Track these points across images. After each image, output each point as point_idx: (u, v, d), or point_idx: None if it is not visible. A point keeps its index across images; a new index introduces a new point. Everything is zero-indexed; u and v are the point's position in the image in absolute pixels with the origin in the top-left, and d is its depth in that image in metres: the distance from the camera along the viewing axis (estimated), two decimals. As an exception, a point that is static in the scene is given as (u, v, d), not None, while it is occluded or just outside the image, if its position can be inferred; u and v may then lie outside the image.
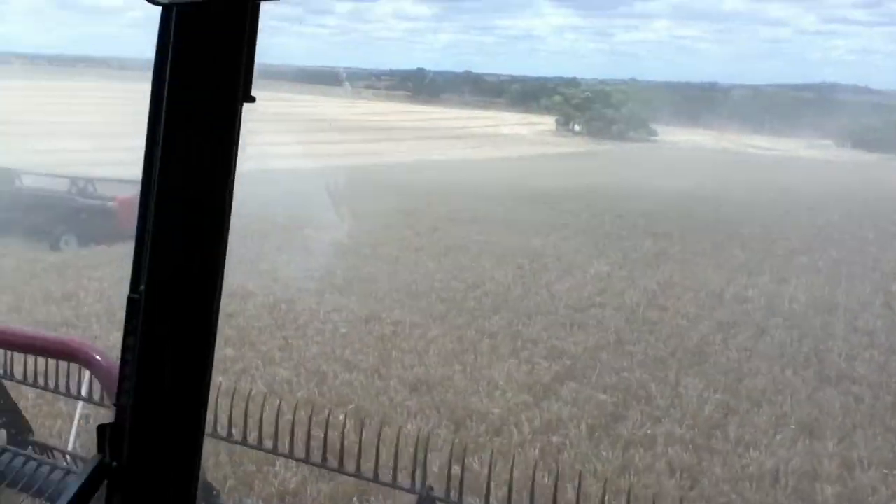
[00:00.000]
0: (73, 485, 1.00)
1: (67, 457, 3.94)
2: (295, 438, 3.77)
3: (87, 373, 3.48)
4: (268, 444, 3.93)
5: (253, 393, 4.59)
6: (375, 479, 3.67)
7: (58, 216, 13.82)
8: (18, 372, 3.96)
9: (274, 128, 21.26)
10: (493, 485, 3.50)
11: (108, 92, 42.36)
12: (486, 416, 7.03)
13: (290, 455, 3.90)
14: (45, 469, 3.21)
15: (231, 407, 3.88)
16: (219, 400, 3.58)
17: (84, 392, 4.09)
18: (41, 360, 3.84)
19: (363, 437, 3.64)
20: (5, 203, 13.77)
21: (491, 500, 3.39)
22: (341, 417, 5.44)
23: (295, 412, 4.17)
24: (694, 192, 24.50)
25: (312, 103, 48.34)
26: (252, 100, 0.97)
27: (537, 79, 74.10)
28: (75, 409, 4.86)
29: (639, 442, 6.65)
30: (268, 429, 3.94)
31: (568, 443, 6.60)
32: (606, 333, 9.79)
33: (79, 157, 20.30)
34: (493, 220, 18.13)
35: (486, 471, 3.67)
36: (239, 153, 0.97)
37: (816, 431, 7.05)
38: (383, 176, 21.41)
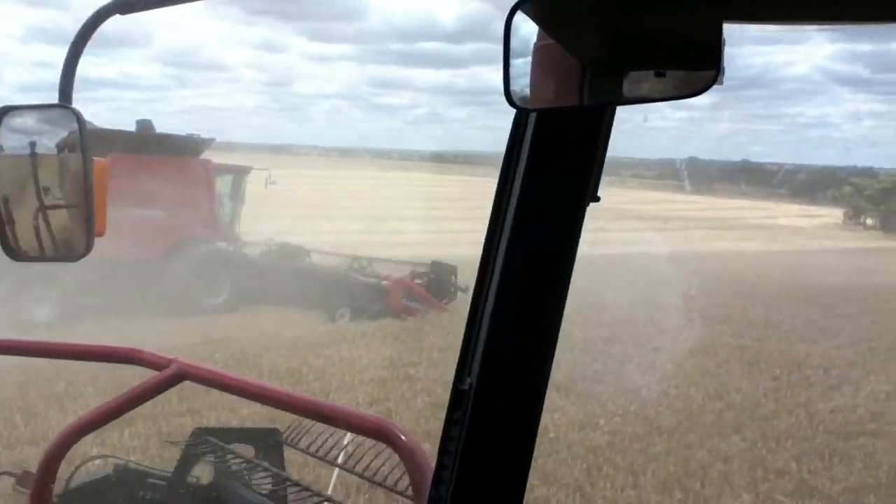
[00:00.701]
0: None
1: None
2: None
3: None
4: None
5: None
6: None
7: (337, 292, 15.32)
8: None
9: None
10: None
11: (385, 181, 46.35)
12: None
13: None
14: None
15: None
16: None
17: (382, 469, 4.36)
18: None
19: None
20: (297, 278, 15.70)
21: None
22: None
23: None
24: None
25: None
26: (598, 199, 0.99)
27: (825, 168, 68.26)
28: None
29: None
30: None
31: None
32: (877, 471, 7.95)
33: (354, 238, 22.44)
34: (751, 321, 16.07)
35: None
36: None
37: None
38: (634, 266, 20.59)
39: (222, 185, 16.28)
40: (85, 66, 1.68)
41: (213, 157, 16.44)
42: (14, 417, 8.14)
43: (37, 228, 1.69)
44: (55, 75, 1.65)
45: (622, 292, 16.90)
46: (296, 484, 4.61)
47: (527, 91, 0.95)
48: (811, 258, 30.60)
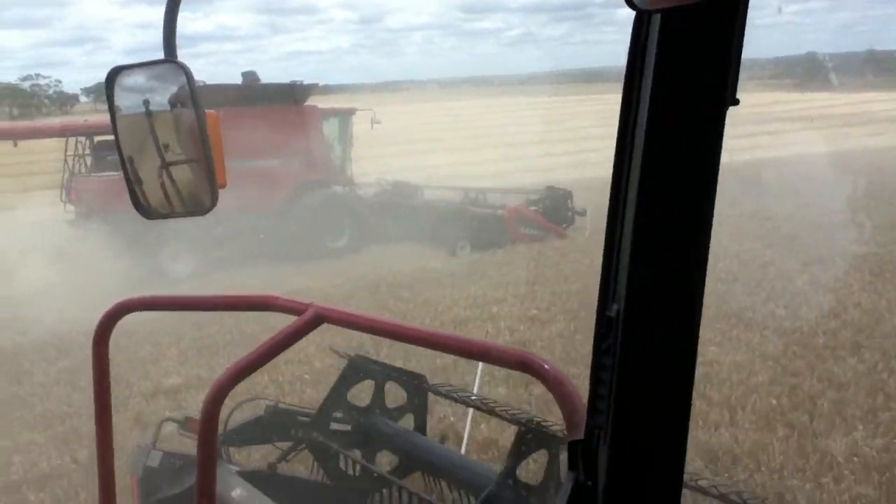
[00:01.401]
0: None
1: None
2: None
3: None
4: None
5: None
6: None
7: (454, 225, 15.39)
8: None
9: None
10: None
11: (484, 108, 45.81)
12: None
13: None
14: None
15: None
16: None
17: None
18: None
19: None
20: (412, 214, 15.90)
21: None
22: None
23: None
24: None
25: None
26: (737, 102, 0.91)
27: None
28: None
29: None
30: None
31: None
32: None
33: (464, 169, 22.41)
34: (879, 224, 13.86)
35: None
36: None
37: None
38: (749, 173, 19.38)
39: (329, 129, 16.51)
40: (182, 23, 1.65)
41: (315, 101, 16.64)
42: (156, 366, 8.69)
43: (163, 185, 1.70)
44: (156, 36, 1.63)
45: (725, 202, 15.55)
46: (434, 391, 4.73)
47: None
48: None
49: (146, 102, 1.67)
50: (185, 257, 14.03)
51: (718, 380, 7.06)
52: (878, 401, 6.50)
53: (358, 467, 4.34)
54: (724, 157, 0.92)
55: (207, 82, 14.02)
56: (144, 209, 1.73)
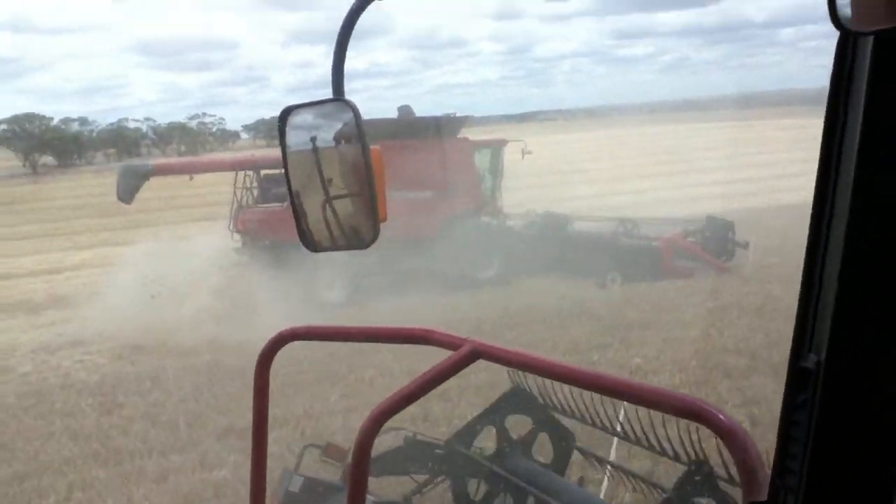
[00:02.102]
0: None
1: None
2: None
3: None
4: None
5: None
6: None
7: (605, 256, 15.07)
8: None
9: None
10: None
11: (636, 137, 44.66)
12: None
13: None
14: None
15: None
16: None
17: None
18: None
19: None
20: (562, 246, 15.72)
21: None
22: None
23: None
24: None
25: None
26: None
27: None
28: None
29: None
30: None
31: None
32: None
33: (614, 200, 21.93)
34: None
35: None
36: None
37: None
38: None
39: (481, 160, 16.70)
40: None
41: (465, 133, 16.91)
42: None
43: (326, 219, 1.75)
44: (314, 74, 1.69)
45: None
46: (580, 451, 4.58)
47: (848, 10, 0.77)
48: None
49: (313, 139, 1.73)
50: (339, 285, 14.55)
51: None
52: None
53: None
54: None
55: (365, 117, 14.55)
56: (309, 242, 1.78)
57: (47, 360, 11.89)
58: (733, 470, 1.98)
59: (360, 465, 1.72)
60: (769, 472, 1.01)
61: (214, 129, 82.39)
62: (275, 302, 12.21)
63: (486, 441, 4.62)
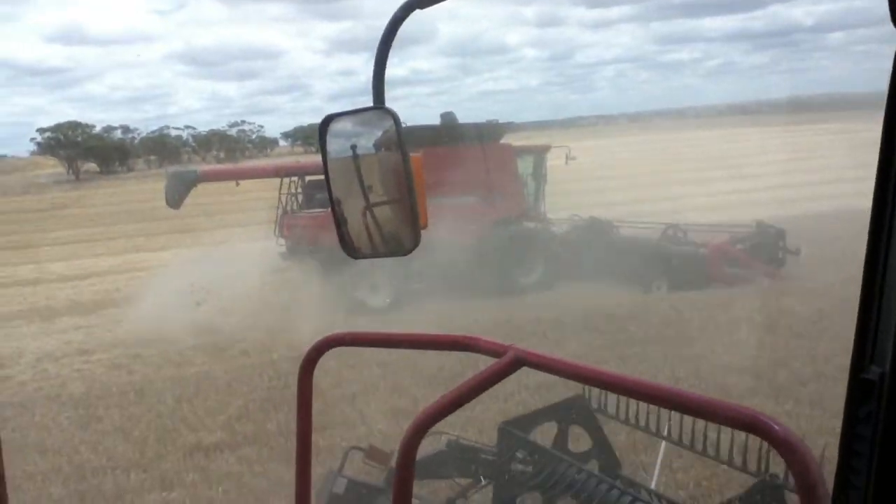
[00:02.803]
0: None
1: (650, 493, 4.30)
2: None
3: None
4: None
5: None
6: None
7: (650, 262, 14.92)
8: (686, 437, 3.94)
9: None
10: None
11: (679, 142, 43.98)
12: None
13: None
14: (626, 499, 3.70)
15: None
16: None
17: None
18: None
19: None
20: (606, 251, 15.55)
21: None
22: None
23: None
24: None
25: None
26: None
27: None
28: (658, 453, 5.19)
29: None
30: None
31: None
32: None
33: (657, 206, 21.62)
34: None
35: None
36: None
37: None
38: None
39: (524, 166, 16.65)
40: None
41: (507, 139, 16.86)
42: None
43: (367, 226, 1.75)
44: (356, 81, 1.70)
45: None
46: (621, 478, 4.52)
47: None
48: None
49: (353, 147, 1.74)
50: (383, 290, 14.62)
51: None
52: None
53: None
54: None
55: (408, 124, 14.67)
56: (350, 249, 1.79)
57: (48, 369, 11.84)
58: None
59: (405, 470, 1.71)
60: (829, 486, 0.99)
61: (253, 136, 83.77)
62: (318, 308, 12.30)
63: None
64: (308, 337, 2.21)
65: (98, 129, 73.50)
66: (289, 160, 19.88)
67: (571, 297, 14.03)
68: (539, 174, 17.03)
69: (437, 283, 14.56)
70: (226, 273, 14.72)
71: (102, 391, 9.98)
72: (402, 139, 1.64)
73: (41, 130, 69.43)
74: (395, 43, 1.70)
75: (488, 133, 16.17)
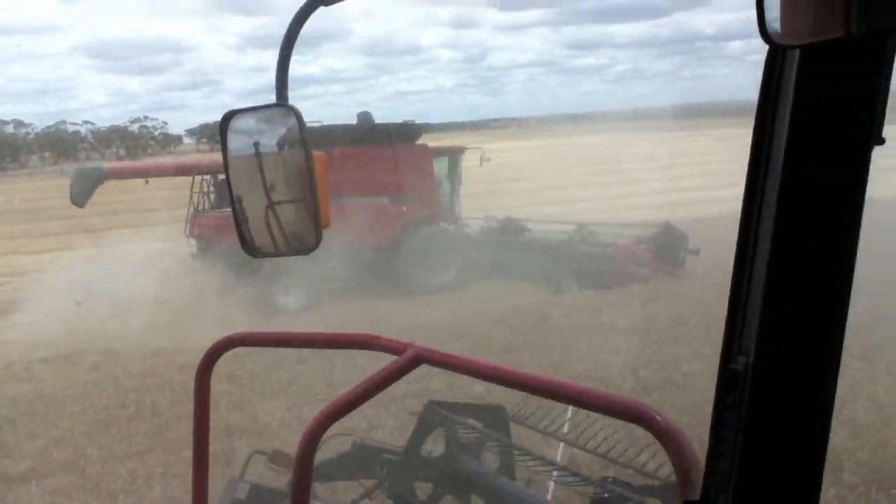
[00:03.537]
0: None
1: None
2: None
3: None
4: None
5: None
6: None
7: (561, 262, 15.22)
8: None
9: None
10: None
11: (588, 145, 45.01)
12: None
13: None
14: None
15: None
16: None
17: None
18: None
19: None
20: (519, 251, 15.80)
21: None
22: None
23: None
24: None
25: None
26: (883, 142, 0.86)
27: None
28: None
29: None
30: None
31: None
32: None
33: (573, 207, 22.05)
34: None
35: None
36: None
37: None
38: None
39: (440, 167, 16.74)
40: (292, 67, 1.69)
41: (422, 140, 16.92)
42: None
43: (268, 225, 1.74)
44: (269, 78, 1.68)
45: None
46: (526, 453, 4.60)
47: (776, 25, 0.80)
48: None
49: (255, 144, 1.72)
50: (296, 291, 14.42)
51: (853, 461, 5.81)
52: None
53: None
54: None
55: (323, 122, 14.56)
56: (250, 248, 1.77)
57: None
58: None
59: (304, 470, 1.71)
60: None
61: (156, 133, 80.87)
62: (229, 308, 12.03)
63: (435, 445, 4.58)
64: (198, 343, 2.15)
65: (-13, 123, 69.50)
66: (191, 158, 19.13)
67: (482, 298, 14.18)
68: (454, 175, 17.14)
69: (352, 283, 14.48)
70: (126, 273, 14.17)
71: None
72: (305, 137, 1.63)
73: (-80, 125, 65.45)
74: (309, 40, 1.69)
75: (405, 134, 16.18)
